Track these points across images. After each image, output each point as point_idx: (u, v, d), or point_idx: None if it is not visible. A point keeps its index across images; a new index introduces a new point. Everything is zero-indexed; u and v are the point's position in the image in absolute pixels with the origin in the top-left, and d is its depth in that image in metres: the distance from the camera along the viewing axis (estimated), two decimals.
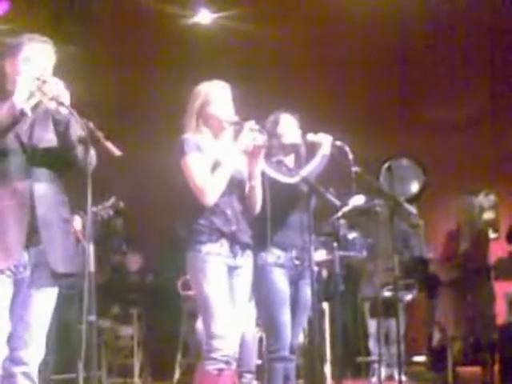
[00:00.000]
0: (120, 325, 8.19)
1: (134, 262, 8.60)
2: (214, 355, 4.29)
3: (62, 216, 3.84)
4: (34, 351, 3.80)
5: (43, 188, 3.78)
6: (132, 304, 8.17)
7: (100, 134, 3.62)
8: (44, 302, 3.82)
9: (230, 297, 4.42)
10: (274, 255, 4.96)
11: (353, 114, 8.77)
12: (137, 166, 7.99)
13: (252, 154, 4.49)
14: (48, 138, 3.85)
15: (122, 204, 5.98)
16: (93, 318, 3.60)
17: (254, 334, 5.70)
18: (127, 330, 8.21)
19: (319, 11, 8.67)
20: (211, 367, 4.29)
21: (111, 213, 5.95)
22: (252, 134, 4.43)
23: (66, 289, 4.02)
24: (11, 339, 3.75)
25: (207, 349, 4.31)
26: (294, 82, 8.80)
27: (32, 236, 3.73)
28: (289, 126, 5.14)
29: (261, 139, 4.44)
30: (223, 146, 4.52)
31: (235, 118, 4.50)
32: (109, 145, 3.62)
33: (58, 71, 3.89)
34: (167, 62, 8.81)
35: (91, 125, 3.65)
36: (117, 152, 3.60)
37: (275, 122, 5.11)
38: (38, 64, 3.81)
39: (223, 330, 4.29)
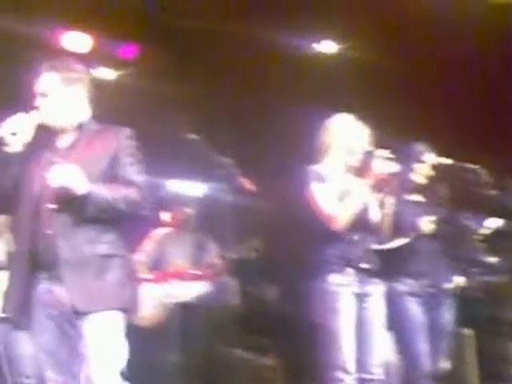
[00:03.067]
0: (260, 355, 8.24)
1: (270, 291, 8.66)
2: None
3: (96, 252, 3.75)
4: None
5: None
6: (271, 334, 8.21)
7: (236, 171, 3.67)
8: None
9: (360, 327, 4.42)
10: (405, 284, 4.92)
11: (479, 138, 8.61)
12: (262, 196, 8.08)
13: (385, 182, 4.49)
14: None
15: (261, 242, 6.04)
16: (236, 350, 3.62)
17: (395, 362, 5.66)
18: (267, 361, 8.24)
19: (440, 41, 8.55)
20: None
21: (254, 254, 6.03)
22: (386, 163, 4.44)
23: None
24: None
25: (330, 378, 4.32)
26: (417, 110, 8.70)
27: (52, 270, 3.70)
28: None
29: (395, 168, 4.45)
30: (351, 175, 4.55)
31: (369, 148, 4.52)
32: (244, 181, 3.67)
33: (185, 108, 3.95)
34: (289, 92, 8.84)
35: (228, 161, 3.71)
36: (252, 188, 3.66)
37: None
38: None
39: (347, 362, 4.30)
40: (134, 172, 3.80)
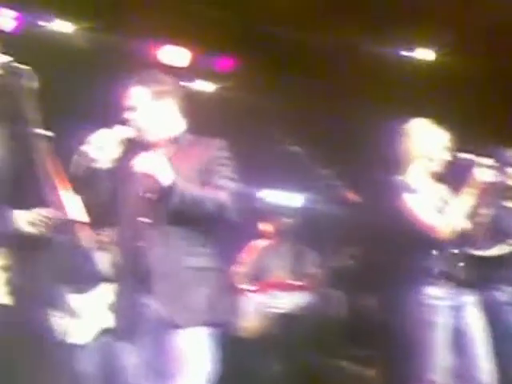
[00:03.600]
0: (362, 366, 8.17)
1: (370, 301, 8.59)
2: None
3: (189, 265, 3.72)
4: None
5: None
6: (373, 345, 8.12)
7: (337, 182, 3.63)
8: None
9: (460, 339, 4.35)
10: (506, 293, 4.82)
11: None
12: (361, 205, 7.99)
13: (485, 191, 4.40)
14: None
15: (358, 252, 6.02)
16: (338, 360, 3.60)
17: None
18: (369, 372, 8.17)
19: None
20: None
21: (349, 262, 6.00)
22: (488, 171, 4.35)
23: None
24: None
25: None
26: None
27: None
28: None
29: (496, 176, 4.36)
30: (438, 184, 4.48)
31: (470, 156, 4.44)
32: (346, 192, 3.64)
33: (284, 119, 3.93)
34: (387, 101, 8.73)
35: (328, 172, 3.67)
36: (355, 199, 3.62)
37: None
38: None
39: (436, 376, 4.25)
40: (224, 180, 3.74)
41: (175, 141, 3.86)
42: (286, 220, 7.66)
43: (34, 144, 3.36)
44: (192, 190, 3.65)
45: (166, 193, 3.61)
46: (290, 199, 8.89)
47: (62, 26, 7.70)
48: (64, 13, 7.65)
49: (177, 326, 3.66)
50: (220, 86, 8.81)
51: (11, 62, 3.50)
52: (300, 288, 7.21)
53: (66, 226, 3.38)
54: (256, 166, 8.08)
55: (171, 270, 3.67)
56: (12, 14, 7.35)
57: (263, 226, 7.69)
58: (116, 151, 3.67)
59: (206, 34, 7.90)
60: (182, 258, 3.70)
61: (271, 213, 7.78)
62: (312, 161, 4.33)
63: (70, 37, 7.73)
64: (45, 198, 3.31)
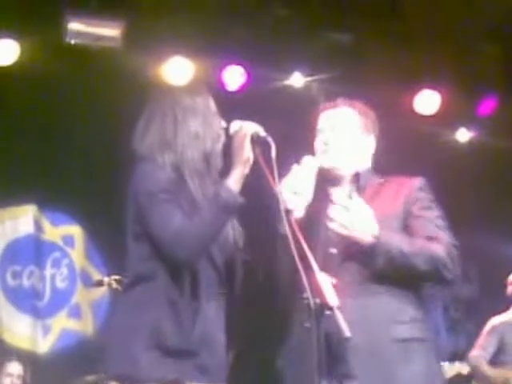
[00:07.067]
0: None
1: None
2: None
3: (393, 335, 3.15)
4: None
5: None
6: None
7: None
8: None
9: None
10: None
11: None
12: None
13: None
14: None
15: None
16: None
17: None
18: None
19: None
20: None
21: None
22: None
23: None
24: None
25: None
26: None
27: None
28: None
29: None
30: None
31: None
32: None
33: None
34: None
35: None
36: None
37: None
38: None
39: None
40: (435, 227, 3.28)
41: (361, 178, 3.45)
42: None
43: (284, 219, 2.98)
44: (399, 242, 3.17)
45: (367, 252, 3.15)
46: None
47: (294, 80, 7.33)
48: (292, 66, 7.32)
49: None
50: (481, 132, 7.91)
51: (258, 132, 3.14)
52: None
53: (322, 310, 2.82)
54: None
55: (369, 341, 3.10)
56: (240, 70, 7.11)
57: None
58: (310, 191, 3.27)
59: (465, 76, 7.41)
60: (384, 325, 3.16)
61: None
62: None
63: (302, 90, 7.36)
64: (300, 281, 2.86)
